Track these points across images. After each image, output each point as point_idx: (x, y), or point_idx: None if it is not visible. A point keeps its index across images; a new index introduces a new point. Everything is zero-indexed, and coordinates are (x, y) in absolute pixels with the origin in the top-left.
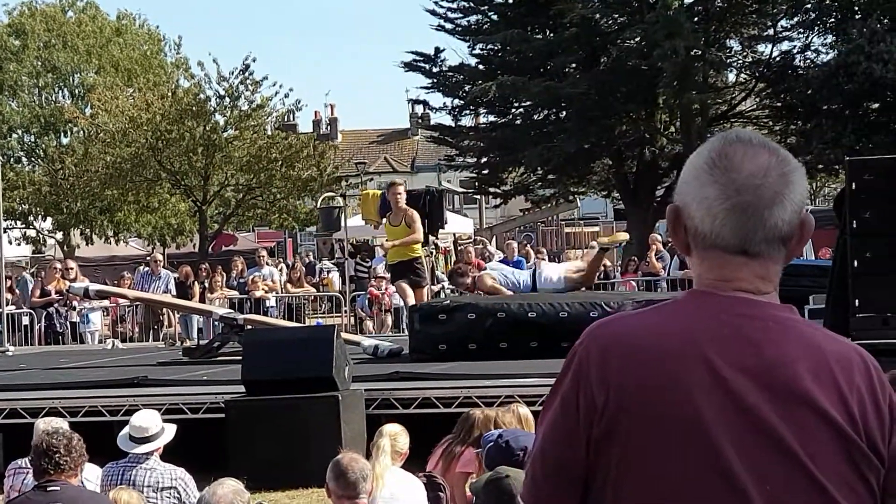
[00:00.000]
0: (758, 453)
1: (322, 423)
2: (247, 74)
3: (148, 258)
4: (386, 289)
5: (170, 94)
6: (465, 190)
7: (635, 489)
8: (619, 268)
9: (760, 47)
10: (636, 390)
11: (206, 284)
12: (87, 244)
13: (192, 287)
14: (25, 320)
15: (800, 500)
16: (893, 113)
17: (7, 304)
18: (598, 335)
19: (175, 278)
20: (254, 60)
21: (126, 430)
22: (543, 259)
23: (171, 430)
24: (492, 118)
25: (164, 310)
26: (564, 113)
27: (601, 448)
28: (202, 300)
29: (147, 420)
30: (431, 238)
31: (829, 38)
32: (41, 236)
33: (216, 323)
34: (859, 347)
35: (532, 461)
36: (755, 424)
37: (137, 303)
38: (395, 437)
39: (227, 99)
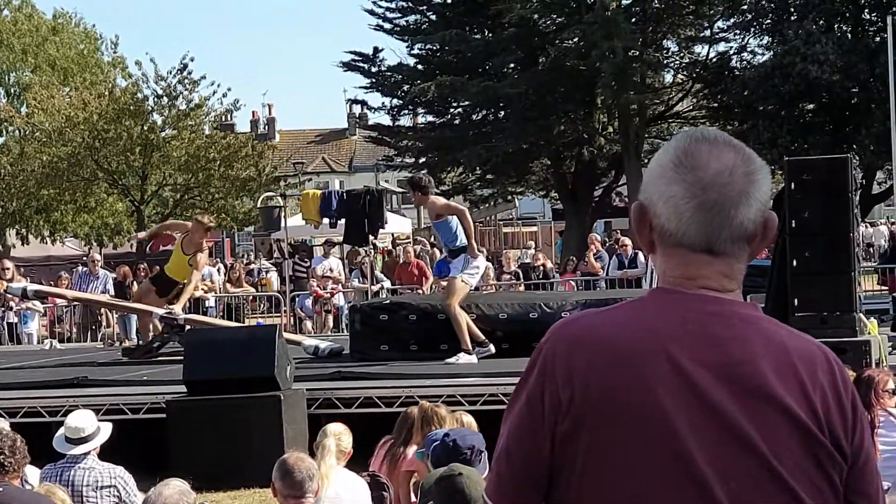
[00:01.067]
0: (722, 450)
1: (264, 423)
2: (184, 74)
3: (86, 258)
4: (332, 289)
5: (107, 93)
6: (403, 190)
7: (600, 485)
8: (558, 268)
9: (697, 48)
10: (601, 387)
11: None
12: (22, 244)
13: (130, 287)
14: None
15: (763, 496)
16: (829, 113)
17: None
18: (564, 333)
19: (113, 278)
20: (191, 60)
21: (61, 431)
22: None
23: (106, 430)
24: (430, 118)
25: (103, 310)
26: (503, 113)
27: (566, 445)
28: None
29: (82, 420)
30: (371, 238)
31: (766, 40)
32: None
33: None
34: (822, 344)
35: (497, 459)
36: (719, 421)
37: (75, 303)
38: (339, 436)
39: (165, 98)
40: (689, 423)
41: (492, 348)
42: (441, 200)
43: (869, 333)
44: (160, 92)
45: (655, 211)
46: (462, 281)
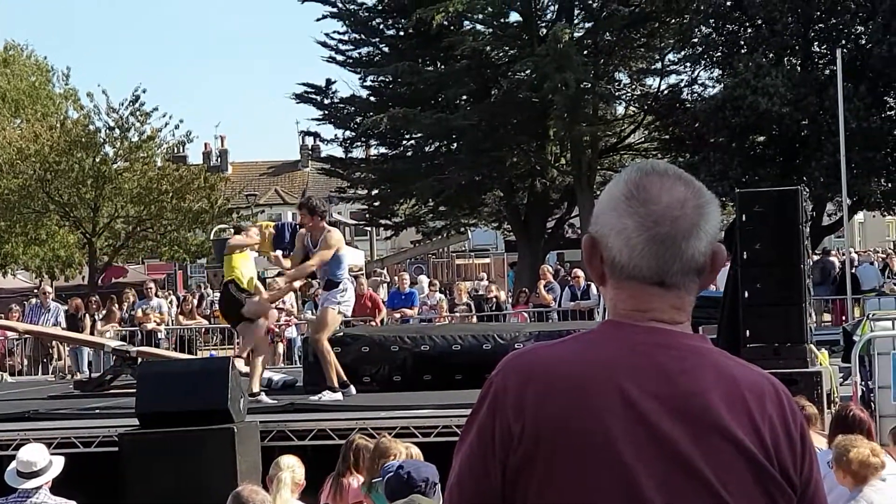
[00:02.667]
0: (672, 481)
1: (217, 456)
2: (137, 105)
3: (37, 290)
4: (285, 321)
5: (58, 125)
6: (356, 222)
7: None
8: (511, 299)
9: (649, 80)
10: (552, 419)
11: (97, 317)
12: None
13: (83, 320)
14: None
15: None
16: (779, 146)
17: None
18: (515, 365)
19: (65, 311)
20: (143, 91)
21: (13, 465)
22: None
23: (59, 463)
24: (383, 150)
25: (54, 343)
26: (456, 145)
27: (518, 477)
28: (93, 333)
29: (33, 454)
30: None
31: (716, 72)
32: None
33: (108, 355)
34: (771, 376)
35: (449, 490)
36: (669, 452)
37: (27, 336)
38: (292, 469)
39: (117, 130)
40: (638, 455)
41: (352, 390)
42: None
43: (820, 364)
44: (112, 124)
45: (607, 244)
46: (339, 312)
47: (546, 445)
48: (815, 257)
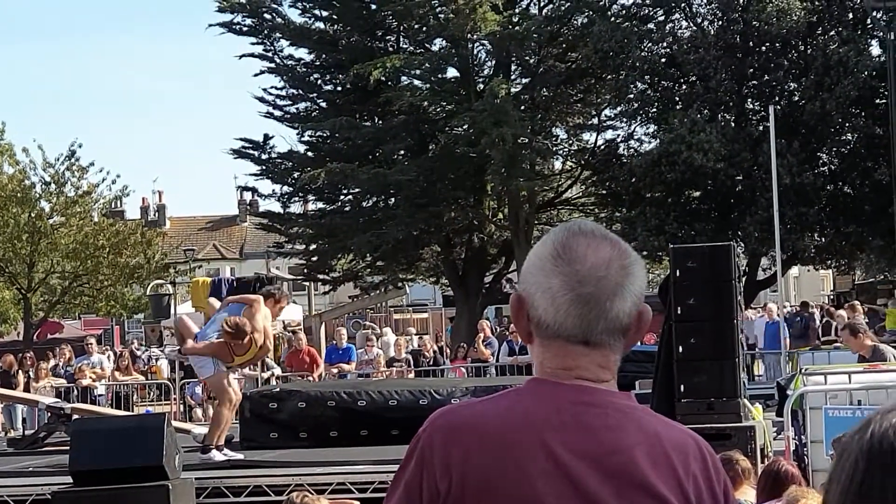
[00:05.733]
0: None
1: None
2: (73, 160)
3: None
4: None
5: None
6: (294, 277)
7: None
8: (449, 354)
9: (585, 136)
10: (479, 477)
11: (32, 373)
12: None
13: (16, 376)
14: None
15: None
16: (714, 201)
17: None
18: (442, 423)
19: (1, 368)
20: (80, 146)
21: None
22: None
23: None
24: (321, 205)
25: None
26: (393, 200)
27: None
28: (27, 389)
29: None
30: None
31: (652, 128)
32: None
33: (42, 412)
34: (695, 434)
35: None
36: None
37: None
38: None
39: (53, 185)
40: None
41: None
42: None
43: (754, 419)
44: (48, 179)
45: (533, 302)
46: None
47: (472, 503)
48: (789, 308)
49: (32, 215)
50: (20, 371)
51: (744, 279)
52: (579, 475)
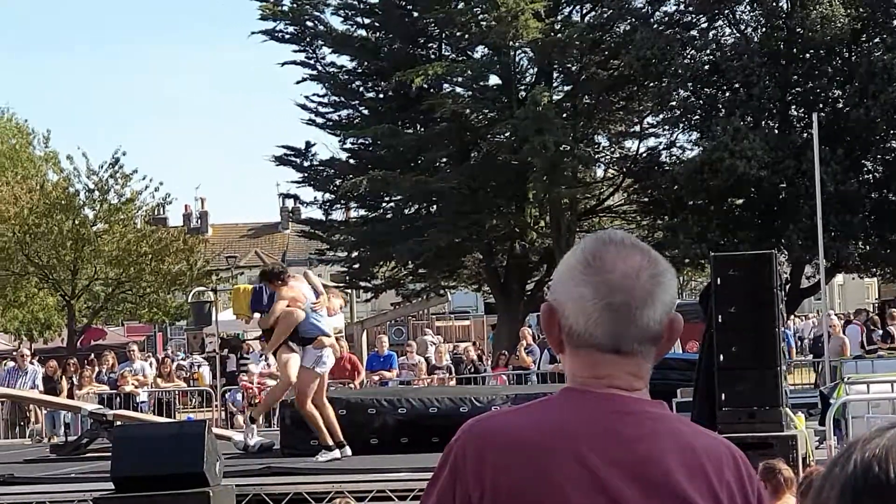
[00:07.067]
0: None
1: None
2: (116, 168)
3: (14, 353)
4: (259, 383)
5: (38, 187)
6: (335, 284)
7: None
8: (490, 362)
9: (627, 143)
10: (511, 486)
11: (75, 380)
12: None
13: (59, 382)
14: None
15: None
16: (757, 208)
17: None
18: (474, 432)
19: (43, 373)
20: (124, 154)
21: None
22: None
23: None
24: (363, 212)
25: (31, 406)
26: (435, 207)
27: None
28: (70, 396)
29: None
30: None
31: (694, 135)
32: None
33: (85, 418)
34: (728, 442)
35: None
36: None
37: (3, 399)
38: None
39: (97, 192)
40: None
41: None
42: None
43: (796, 428)
44: (92, 186)
45: (564, 312)
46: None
47: None
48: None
49: (76, 222)
50: (63, 377)
51: (787, 287)
52: (613, 484)
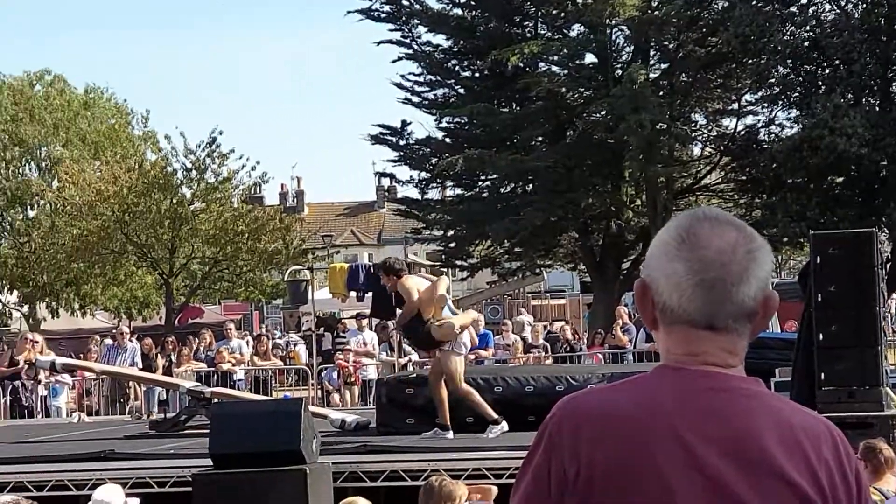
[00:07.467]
0: None
1: (289, 497)
2: (213, 147)
3: (114, 331)
4: (355, 362)
5: (137, 167)
6: (431, 263)
7: None
8: (586, 341)
9: (725, 121)
10: (606, 463)
11: (172, 357)
12: (52, 317)
13: (155, 360)
14: None
15: None
16: (857, 186)
17: None
18: (569, 409)
19: (141, 351)
20: (220, 133)
21: None
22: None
23: (132, 503)
24: (458, 191)
25: (130, 383)
26: (531, 186)
27: None
28: (168, 373)
29: (108, 494)
30: (398, 311)
31: (794, 113)
32: (7, 309)
33: (183, 396)
34: (826, 419)
35: None
36: (726, 497)
37: (103, 376)
38: None
39: (194, 172)
40: (694, 499)
41: (504, 426)
42: (408, 283)
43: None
44: (189, 165)
45: (657, 288)
46: (454, 353)
47: (600, 490)
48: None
49: (174, 201)
50: (159, 355)
51: (888, 266)
52: (709, 461)
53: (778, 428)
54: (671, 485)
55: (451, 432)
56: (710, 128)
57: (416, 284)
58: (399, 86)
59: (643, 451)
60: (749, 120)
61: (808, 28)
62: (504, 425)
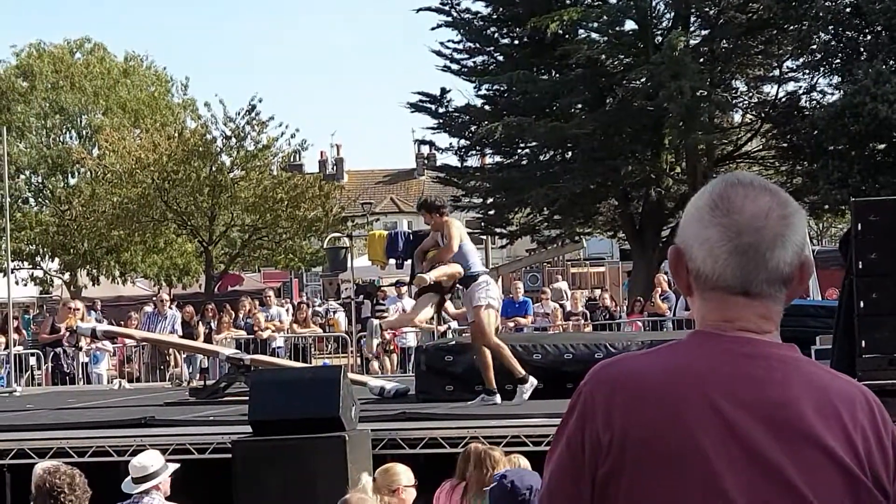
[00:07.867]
0: (763, 492)
1: (329, 464)
2: (253, 115)
3: (154, 298)
4: (396, 330)
5: (176, 134)
6: (471, 230)
7: None
8: (625, 308)
9: (766, 88)
10: (641, 430)
11: (212, 325)
12: (93, 284)
13: (196, 327)
14: (32, 360)
15: None
16: None
17: (14, 345)
18: (603, 375)
19: (182, 318)
20: (260, 101)
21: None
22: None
23: (171, 467)
24: (498, 159)
25: (171, 350)
26: (570, 153)
27: (607, 487)
28: (208, 340)
29: (146, 459)
30: None
31: (835, 79)
32: (48, 277)
33: (223, 363)
34: (862, 385)
35: (540, 500)
36: (760, 462)
37: (144, 343)
38: (389, 472)
39: (234, 139)
40: (729, 465)
41: (533, 381)
42: (454, 227)
43: None
44: (229, 133)
45: (691, 254)
46: (487, 307)
47: (634, 456)
48: None
49: (213, 169)
50: (200, 322)
51: None
52: (744, 427)
53: (813, 394)
54: (706, 451)
55: (497, 396)
56: (750, 94)
57: (462, 233)
58: (438, 53)
59: (677, 418)
60: (790, 87)
61: None
62: (533, 381)
